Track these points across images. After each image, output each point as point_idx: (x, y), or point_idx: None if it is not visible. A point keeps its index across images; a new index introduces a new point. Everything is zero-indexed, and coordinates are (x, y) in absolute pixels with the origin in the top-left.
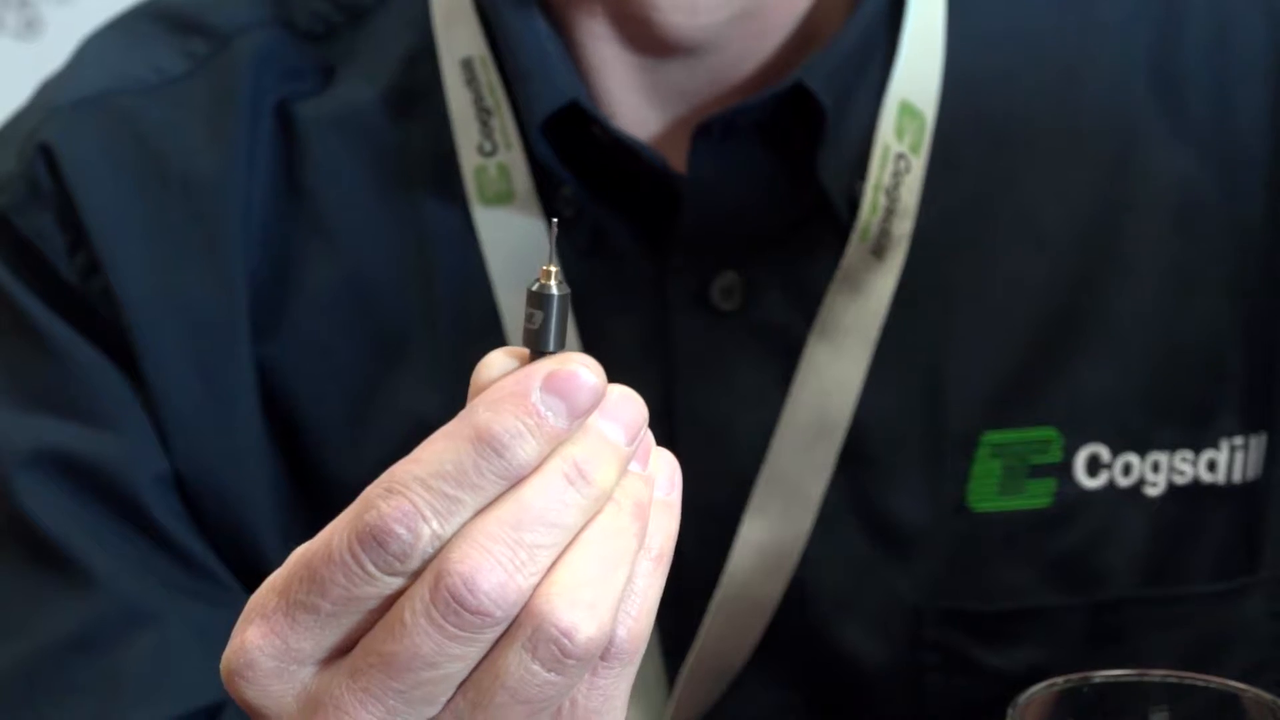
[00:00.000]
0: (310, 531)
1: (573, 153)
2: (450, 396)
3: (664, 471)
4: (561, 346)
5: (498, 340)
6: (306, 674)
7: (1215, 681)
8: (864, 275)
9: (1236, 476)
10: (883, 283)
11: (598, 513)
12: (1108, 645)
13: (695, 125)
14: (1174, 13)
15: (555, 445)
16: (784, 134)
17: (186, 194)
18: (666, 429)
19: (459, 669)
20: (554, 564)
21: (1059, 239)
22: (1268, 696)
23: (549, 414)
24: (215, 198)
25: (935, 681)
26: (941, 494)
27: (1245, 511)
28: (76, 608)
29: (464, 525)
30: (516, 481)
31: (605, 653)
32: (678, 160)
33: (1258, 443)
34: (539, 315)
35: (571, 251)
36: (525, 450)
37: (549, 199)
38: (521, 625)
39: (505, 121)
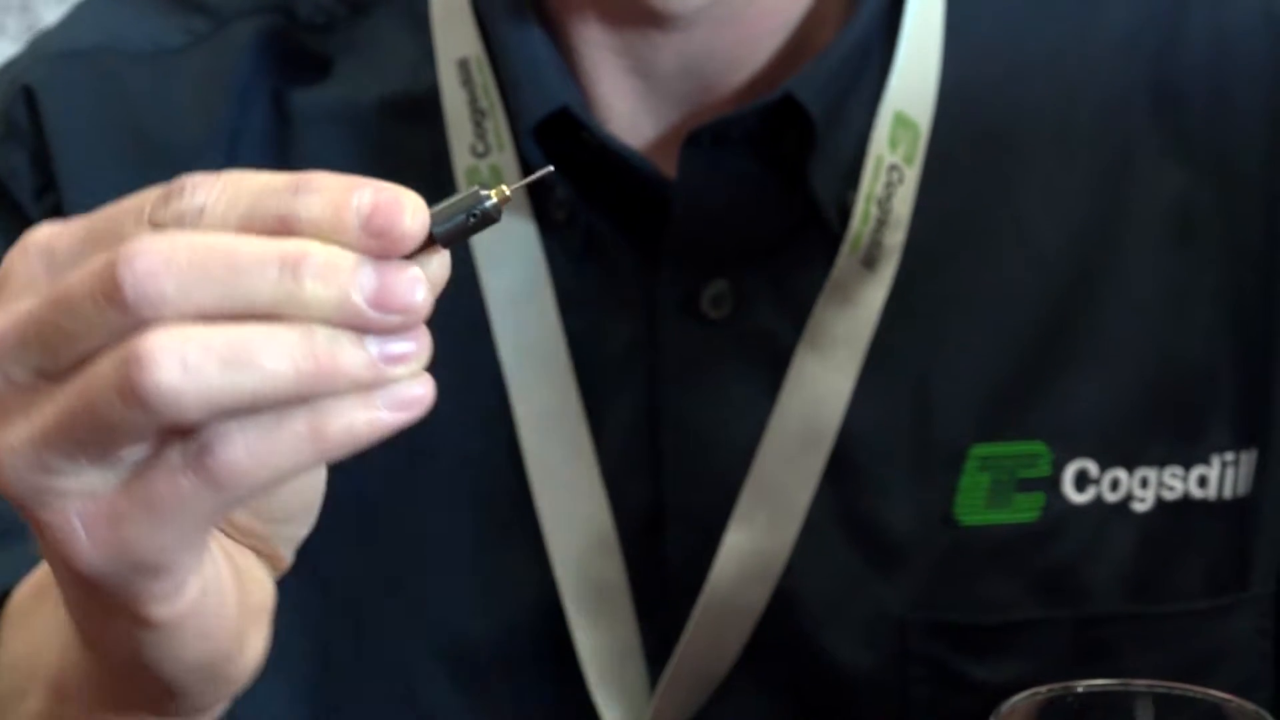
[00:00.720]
0: None
1: (566, 157)
2: (442, 405)
3: (410, 387)
4: (445, 242)
5: (485, 340)
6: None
7: (1200, 692)
8: (855, 285)
9: (1227, 492)
10: (873, 293)
11: (280, 318)
12: (1095, 660)
13: (685, 134)
14: (1174, 25)
15: (333, 236)
16: (775, 143)
17: (162, 163)
18: (652, 435)
19: (79, 336)
20: (206, 318)
21: (1052, 252)
22: (1251, 707)
23: (354, 202)
24: (190, 170)
25: (921, 692)
26: (929, 506)
27: (1235, 528)
28: None
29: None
30: (281, 230)
31: (203, 451)
32: (671, 168)
33: (1248, 458)
34: (459, 207)
35: (563, 255)
36: (307, 205)
37: (542, 202)
38: (126, 339)
39: (499, 123)
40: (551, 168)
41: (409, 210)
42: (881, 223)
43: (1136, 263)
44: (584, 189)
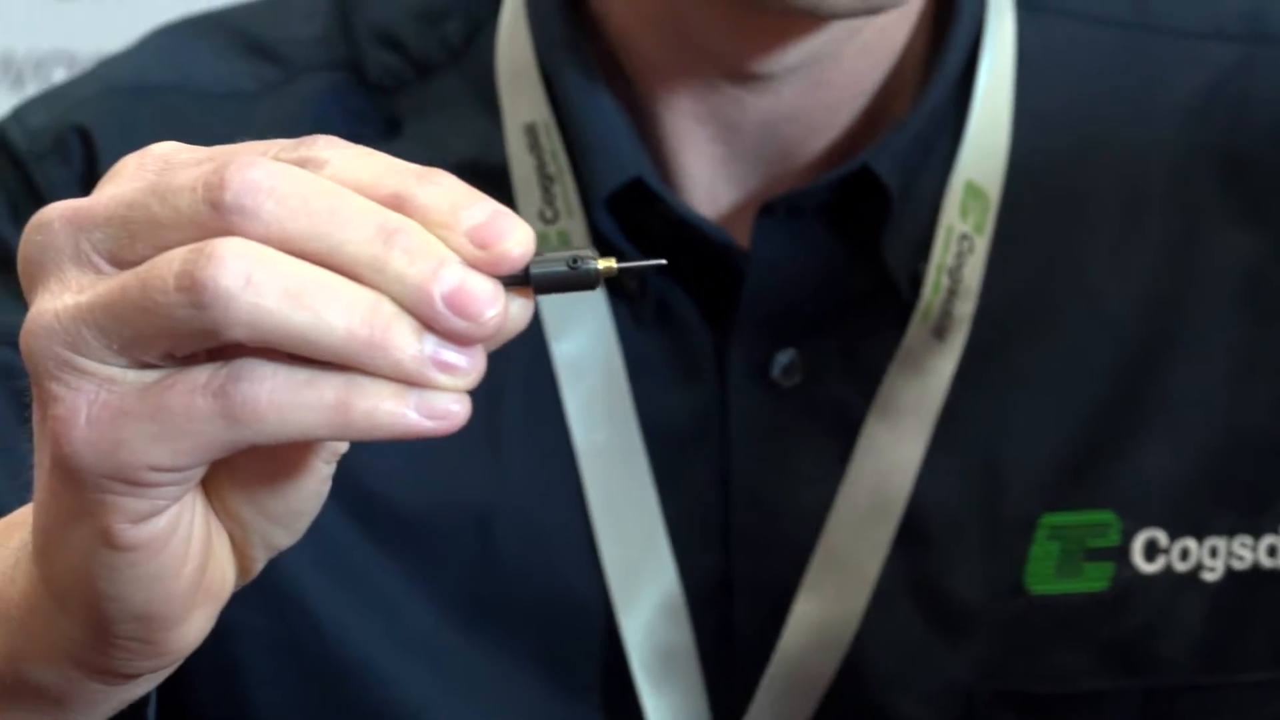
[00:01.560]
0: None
1: (637, 225)
2: (511, 472)
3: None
4: (538, 285)
5: (555, 408)
6: None
7: None
8: (925, 355)
9: None
10: (943, 363)
11: (358, 279)
12: None
13: (760, 204)
14: (1242, 92)
15: (438, 229)
16: (849, 213)
17: None
18: (722, 503)
19: (165, 225)
20: (289, 252)
21: (1120, 320)
22: None
23: (470, 206)
24: None
25: None
26: (999, 575)
27: None
28: None
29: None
30: (393, 206)
31: (230, 378)
32: (744, 236)
33: None
34: (563, 259)
35: (633, 323)
36: (426, 192)
37: None
38: (213, 240)
39: (567, 188)
40: (664, 260)
41: (518, 235)
42: (952, 293)
43: (1205, 331)
44: (656, 257)
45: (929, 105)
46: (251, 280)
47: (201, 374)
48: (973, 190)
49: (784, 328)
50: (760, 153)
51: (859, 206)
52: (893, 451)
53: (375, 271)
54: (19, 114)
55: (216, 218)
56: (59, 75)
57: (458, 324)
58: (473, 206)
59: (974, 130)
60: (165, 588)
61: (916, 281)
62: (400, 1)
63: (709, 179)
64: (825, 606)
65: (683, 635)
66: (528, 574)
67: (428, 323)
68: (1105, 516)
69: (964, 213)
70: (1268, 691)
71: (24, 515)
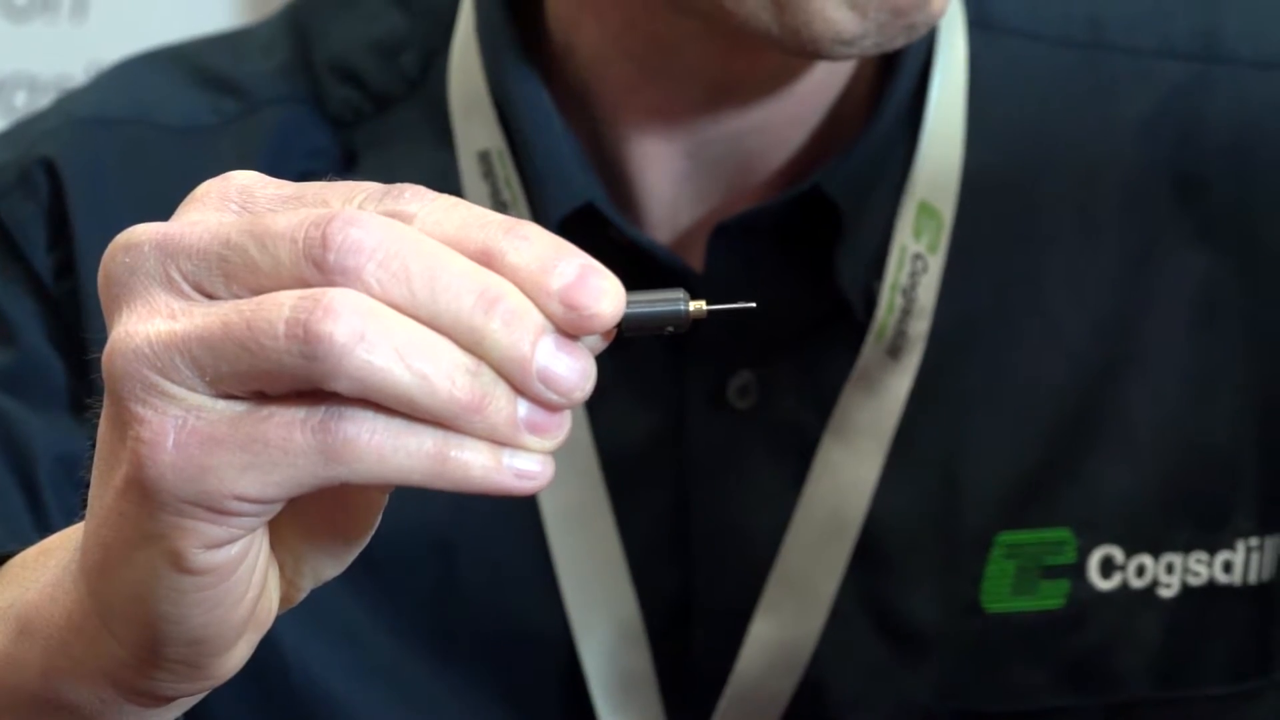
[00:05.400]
0: None
1: (591, 250)
2: (470, 501)
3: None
4: (625, 333)
5: None
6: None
7: None
8: (880, 375)
9: (1252, 578)
10: (898, 382)
11: (455, 341)
12: None
13: (713, 226)
14: (1194, 111)
15: (528, 288)
16: (802, 234)
17: None
18: (680, 526)
19: (261, 273)
20: (395, 308)
21: (1076, 339)
22: None
23: (560, 266)
24: None
25: None
26: (955, 594)
27: (1260, 613)
28: None
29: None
30: (481, 261)
31: (332, 415)
32: (699, 258)
33: (1273, 544)
34: (655, 309)
35: None
36: (516, 248)
37: None
38: (327, 291)
39: (522, 214)
40: (754, 304)
41: (609, 295)
42: (906, 312)
43: (1160, 349)
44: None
45: (880, 125)
46: (365, 337)
47: (299, 409)
48: (926, 210)
49: (739, 350)
50: (724, 165)
51: (812, 227)
52: (848, 471)
53: (474, 341)
54: None
55: (318, 275)
56: (20, 99)
57: (550, 397)
58: (561, 264)
59: (926, 150)
60: (224, 614)
61: (871, 301)
62: (358, 34)
63: (670, 199)
64: (782, 627)
65: (642, 660)
66: (487, 602)
67: (521, 392)
68: (1061, 534)
69: (917, 232)
70: (1225, 705)
71: (59, 540)
